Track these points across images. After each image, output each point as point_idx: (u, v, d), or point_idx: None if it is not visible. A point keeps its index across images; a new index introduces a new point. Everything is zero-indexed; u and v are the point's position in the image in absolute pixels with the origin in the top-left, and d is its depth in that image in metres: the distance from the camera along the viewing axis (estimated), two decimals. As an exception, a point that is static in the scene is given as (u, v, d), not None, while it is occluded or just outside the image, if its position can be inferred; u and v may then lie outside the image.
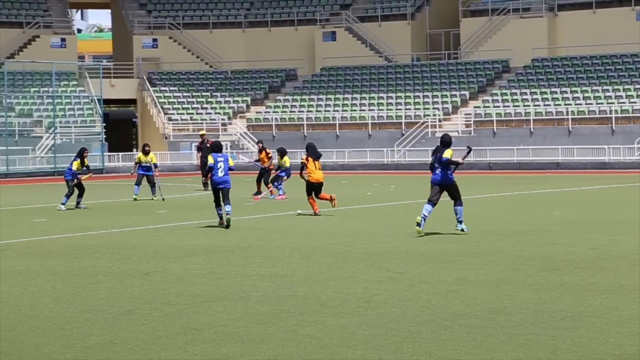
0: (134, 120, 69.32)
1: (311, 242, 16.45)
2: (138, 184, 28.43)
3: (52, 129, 53.03)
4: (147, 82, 61.49)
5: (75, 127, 56.21)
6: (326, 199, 22.19)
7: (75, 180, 24.99)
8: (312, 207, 21.87)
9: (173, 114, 59.12)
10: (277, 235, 17.67)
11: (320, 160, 22.32)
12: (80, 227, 19.82)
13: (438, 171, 17.13)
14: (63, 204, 24.84)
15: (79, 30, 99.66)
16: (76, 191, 25.15)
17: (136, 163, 29.18)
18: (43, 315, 9.97)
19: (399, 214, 22.52)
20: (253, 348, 8.39)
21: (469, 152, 18.65)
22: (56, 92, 55.58)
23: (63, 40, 63.50)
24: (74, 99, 59.00)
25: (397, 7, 62.68)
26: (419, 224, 16.83)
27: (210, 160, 19.62)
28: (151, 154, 28.95)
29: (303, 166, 22.39)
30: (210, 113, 59.25)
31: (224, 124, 58.02)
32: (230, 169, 19.73)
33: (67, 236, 18.14)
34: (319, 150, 23.02)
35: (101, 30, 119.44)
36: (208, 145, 31.81)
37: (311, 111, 57.58)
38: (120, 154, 54.17)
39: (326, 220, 20.92)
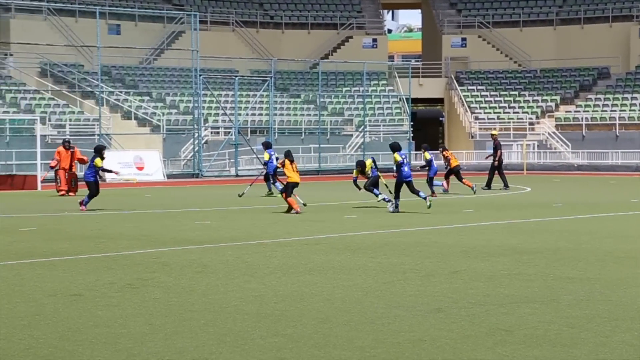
0: (440, 119, 69.78)
1: (625, 246, 15.83)
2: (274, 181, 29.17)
3: (362, 127, 54.41)
4: (454, 81, 61.73)
5: (383, 125, 57.46)
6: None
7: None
8: (293, 206, 22.89)
9: (480, 113, 58.97)
10: (588, 238, 17.16)
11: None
12: (389, 225, 20.17)
13: None
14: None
15: (389, 31, 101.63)
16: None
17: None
18: (355, 309, 10.20)
19: None
20: (565, 352, 8.17)
21: None
22: (366, 92, 56.98)
23: (374, 40, 65.08)
24: (383, 98, 60.28)
25: None
26: None
27: (399, 158, 23.29)
28: (264, 152, 29.87)
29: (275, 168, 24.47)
30: (517, 112, 58.59)
31: (531, 124, 57.19)
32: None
33: (376, 233, 18.52)
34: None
35: (410, 30, 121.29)
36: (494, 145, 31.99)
37: (624, 110, 55.54)
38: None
39: (640, 223, 20.14)
